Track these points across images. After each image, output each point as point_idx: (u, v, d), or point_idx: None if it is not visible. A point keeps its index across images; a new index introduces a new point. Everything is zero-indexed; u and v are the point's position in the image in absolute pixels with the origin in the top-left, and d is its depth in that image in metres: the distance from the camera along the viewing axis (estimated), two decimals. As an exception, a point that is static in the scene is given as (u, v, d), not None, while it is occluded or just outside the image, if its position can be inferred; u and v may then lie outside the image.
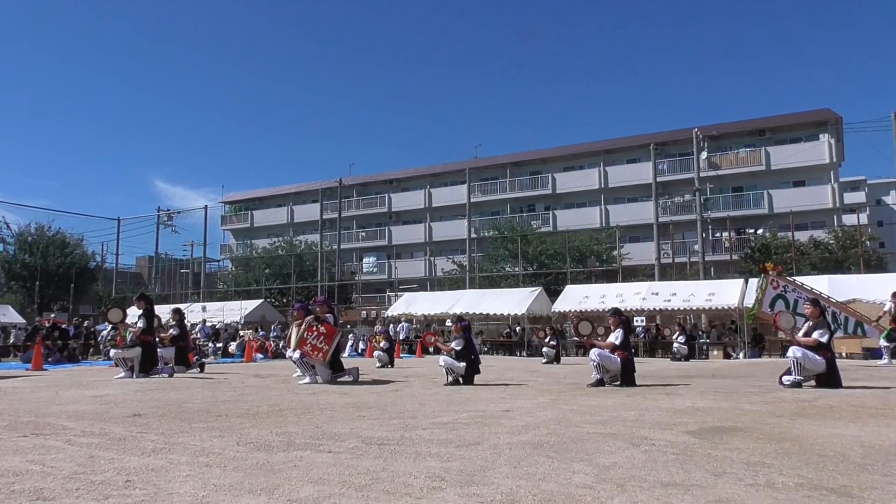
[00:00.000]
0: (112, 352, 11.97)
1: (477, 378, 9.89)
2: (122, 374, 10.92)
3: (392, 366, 15.53)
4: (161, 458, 3.91)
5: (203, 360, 15.23)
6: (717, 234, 39.18)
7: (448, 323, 24.43)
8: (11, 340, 23.05)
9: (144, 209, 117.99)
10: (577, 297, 25.06)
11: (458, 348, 9.87)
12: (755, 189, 40.81)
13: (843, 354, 18.08)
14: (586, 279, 31.78)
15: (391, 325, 26.34)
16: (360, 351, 24.52)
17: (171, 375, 11.27)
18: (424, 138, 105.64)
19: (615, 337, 9.52)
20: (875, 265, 29.84)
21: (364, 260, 51.12)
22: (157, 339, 12.03)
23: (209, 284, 47.18)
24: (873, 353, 17.29)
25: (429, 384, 9.89)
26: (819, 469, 3.62)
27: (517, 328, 28.11)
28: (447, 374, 9.86)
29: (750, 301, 17.33)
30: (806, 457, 3.97)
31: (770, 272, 14.12)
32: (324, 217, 44.69)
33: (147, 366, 11.11)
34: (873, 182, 54.18)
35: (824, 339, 8.63)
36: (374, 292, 46.13)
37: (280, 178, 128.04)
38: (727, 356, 22.04)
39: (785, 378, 8.73)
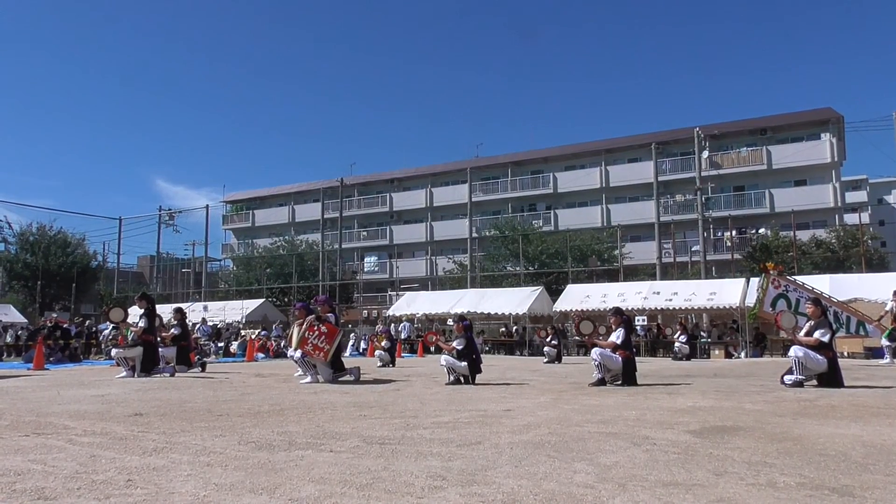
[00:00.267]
0: (113, 351, 11.99)
1: (478, 377, 9.89)
2: (124, 374, 10.93)
3: (393, 365, 15.53)
4: (162, 458, 3.92)
5: (204, 359, 15.24)
6: (719, 234, 39.15)
7: (449, 322, 24.47)
8: (6, 340, 22.96)
9: (146, 209, 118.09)
10: (579, 297, 25.05)
11: (459, 347, 9.87)
12: (756, 188, 40.78)
13: (845, 354, 18.06)
14: (587, 278, 31.76)
15: (392, 325, 26.34)
16: (361, 350, 24.53)
17: (172, 375, 11.28)
18: (425, 138, 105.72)
19: (616, 336, 9.52)
20: (876, 264, 29.80)
21: (365, 259, 51.14)
22: (159, 339, 12.04)
23: (210, 284, 47.22)
24: (875, 353, 17.26)
25: (430, 383, 9.89)
26: (821, 469, 3.62)
27: (514, 327, 28.14)
28: (448, 373, 9.86)
29: (751, 300, 17.31)
30: (808, 456, 3.96)
31: (771, 272, 14.11)
32: (325, 216, 44.71)
33: (148, 365, 11.12)
34: (875, 181, 54.14)
35: (826, 339, 8.62)
36: (376, 292, 46.14)
37: (281, 177, 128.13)
38: (728, 355, 22.03)
39: (787, 377, 8.72)
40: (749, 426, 5.21)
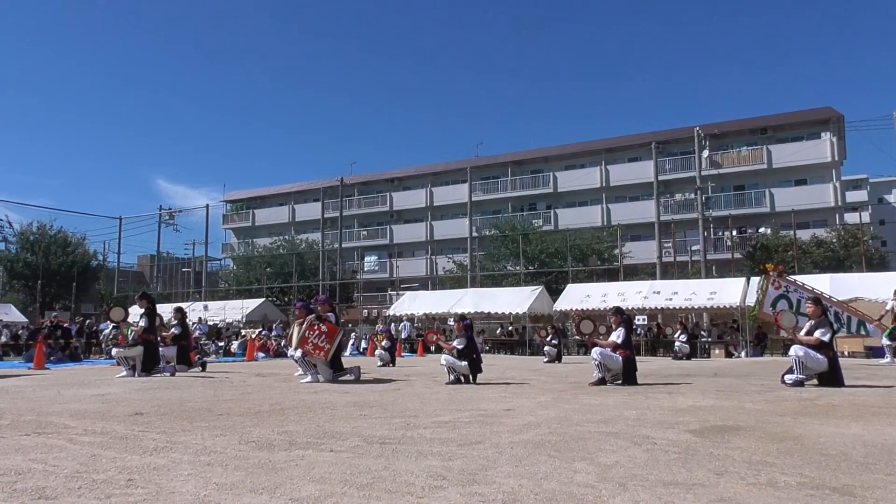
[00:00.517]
0: (114, 351, 11.99)
1: (479, 377, 9.89)
2: (124, 373, 10.93)
3: (393, 365, 15.53)
4: (163, 457, 3.92)
5: (204, 358, 15.24)
6: (719, 233, 39.16)
7: (450, 322, 24.49)
8: (3, 339, 22.93)
9: (146, 208, 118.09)
10: (579, 296, 25.05)
11: (460, 347, 9.87)
12: (757, 187, 40.78)
13: (846, 353, 18.07)
14: (588, 278, 31.77)
15: (393, 324, 26.35)
16: (361, 350, 24.54)
17: (172, 374, 11.29)
18: (426, 137, 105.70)
19: (617, 336, 9.52)
20: (877, 264, 29.80)
21: (365, 259, 51.15)
22: (159, 338, 12.04)
23: (211, 283, 47.25)
24: (875, 352, 17.27)
25: (430, 383, 9.89)
26: (821, 468, 3.62)
27: (509, 327, 28.16)
28: (449, 372, 9.85)
29: (751, 300, 17.31)
30: (808, 456, 3.96)
31: (771, 273, 14.11)
32: (325, 216, 44.73)
33: (149, 364, 11.12)
34: (875, 180, 54.15)
35: (826, 338, 8.62)
36: (376, 291, 46.17)
37: (281, 176, 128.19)
38: (729, 355, 22.04)
39: (787, 377, 8.72)
40: (750, 426, 5.21)
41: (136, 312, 12.53)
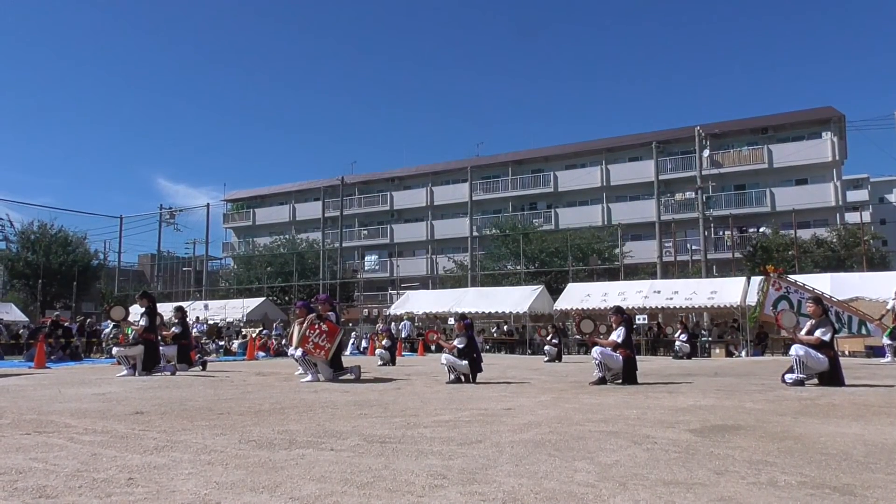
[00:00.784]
0: (115, 350, 12.00)
1: (479, 376, 9.90)
2: (125, 372, 10.94)
3: (394, 364, 15.54)
4: (163, 456, 3.92)
5: (205, 357, 15.25)
6: (720, 233, 39.15)
7: (450, 321, 24.50)
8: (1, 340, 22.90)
9: (147, 207, 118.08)
10: (579, 296, 25.06)
11: (460, 346, 9.88)
12: (757, 187, 40.77)
13: (846, 353, 18.06)
14: (588, 277, 31.77)
15: (393, 324, 26.36)
16: (362, 349, 24.54)
17: (173, 373, 11.29)
18: (426, 136, 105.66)
19: (617, 335, 9.53)
20: (878, 263, 29.78)
21: (366, 258, 51.16)
22: (160, 337, 12.05)
23: (211, 282, 47.25)
24: (876, 352, 17.27)
25: (431, 382, 9.90)
26: (822, 467, 3.62)
27: (505, 326, 28.14)
28: (449, 372, 9.86)
29: (752, 299, 17.32)
30: (809, 455, 3.96)
31: (771, 274, 14.11)
32: (326, 215, 44.72)
33: (149, 364, 11.13)
34: (876, 180, 54.11)
35: (827, 338, 8.62)
36: (376, 290, 46.16)
37: (282, 176, 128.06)
38: (729, 354, 22.05)
39: (787, 376, 8.72)
40: (750, 425, 5.21)
41: (136, 311, 12.55)
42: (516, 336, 27.61)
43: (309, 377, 9.85)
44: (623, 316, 9.86)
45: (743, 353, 21.70)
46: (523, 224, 41.61)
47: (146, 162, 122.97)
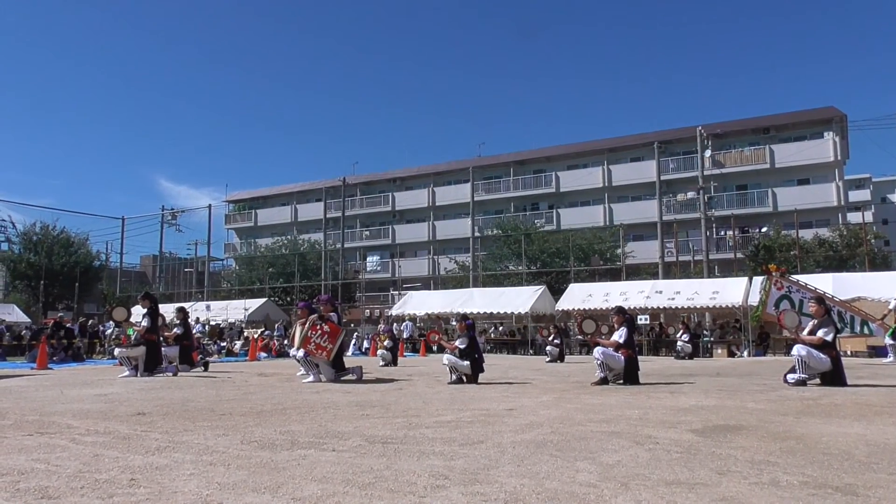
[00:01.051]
0: (116, 351, 12.02)
1: (481, 376, 9.89)
2: (127, 373, 10.95)
3: (396, 364, 15.55)
4: (165, 457, 3.92)
5: (207, 358, 15.27)
6: (722, 233, 39.12)
7: (452, 322, 24.51)
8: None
9: (148, 208, 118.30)
10: (581, 296, 25.05)
11: (462, 347, 9.88)
12: (759, 187, 40.73)
13: (849, 353, 18.05)
14: (590, 278, 31.76)
15: (395, 324, 26.37)
16: (363, 350, 24.55)
17: (175, 374, 11.31)
18: (428, 137, 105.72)
19: (619, 335, 9.52)
20: (880, 263, 29.74)
21: (368, 258, 51.19)
22: (162, 338, 12.06)
23: (213, 283, 47.28)
24: (878, 352, 17.26)
25: (432, 383, 9.90)
26: (824, 467, 3.61)
27: (501, 327, 28.12)
28: (451, 372, 9.86)
29: (754, 300, 17.30)
30: (811, 455, 3.96)
31: (773, 273, 14.09)
32: (327, 216, 44.77)
33: (151, 364, 11.14)
34: (878, 180, 54.07)
35: (829, 338, 8.61)
36: (378, 291, 46.19)
37: (284, 176, 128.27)
38: (731, 354, 22.03)
39: (789, 376, 8.71)
40: (752, 425, 5.21)
41: (138, 312, 12.56)
42: (518, 336, 27.60)
43: (311, 378, 9.85)
44: (625, 316, 9.85)
45: (745, 353, 21.68)
46: (525, 224, 41.60)
47: (147, 163, 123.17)
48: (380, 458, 3.89)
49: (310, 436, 4.73)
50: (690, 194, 38.49)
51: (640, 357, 10.10)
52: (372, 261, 51.15)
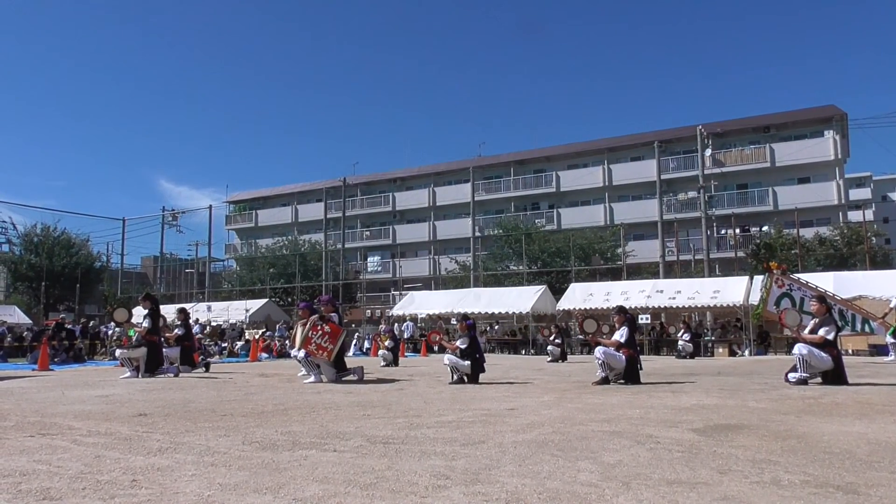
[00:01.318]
0: (118, 352, 12.03)
1: (482, 376, 9.89)
2: (128, 374, 10.95)
3: (397, 365, 15.55)
4: (167, 458, 3.92)
5: (208, 359, 15.27)
6: (722, 232, 39.10)
7: (453, 322, 24.49)
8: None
9: (149, 209, 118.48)
10: (582, 295, 25.04)
11: (463, 347, 9.88)
12: (760, 186, 40.71)
13: (850, 351, 18.06)
14: (590, 277, 31.75)
15: (396, 324, 26.37)
16: (364, 350, 24.55)
17: (176, 375, 11.30)
18: (428, 137, 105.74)
19: (620, 335, 9.51)
20: (881, 262, 29.73)
21: (368, 259, 51.19)
22: (163, 339, 12.07)
23: (214, 284, 47.29)
24: (880, 350, 17.25)
25: (434, 383, 9.90)
26: (825, 466, 3.61)
27: (496, 327, 28.10)
28: (452, 372, 9.86)
29: (755, 299, 17.28)
30: (812, 454, 3.96)
31: (774, 271, 14.08)
32: (328, 216, 44.76)
33: (152, 365, 11.14)
34: (879, 178, 54.09)
35: (830, 337, 8.60)
36: (379, 291, 46.18)
37: (284, 177, 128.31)
38: (732, 353, 22.01)
39: (791, 375, 8.71)
40: (753, 424, 5.21)
41: (139, 313, 12.57)
42: (519, 336, 27.58)
43: (312, 378, 9.85)
44: (626, 315, 9.84)
45: (746, 352, 21.67)
46: (526, 224, 41.59)
47: (148, 164, 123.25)
48: (381, 458, 3.89)
49: (311, 436, 4.73)
50: (691, 193, 38.47)
51: (640, 356, 10.08)
52: (373, 261, 51.15)
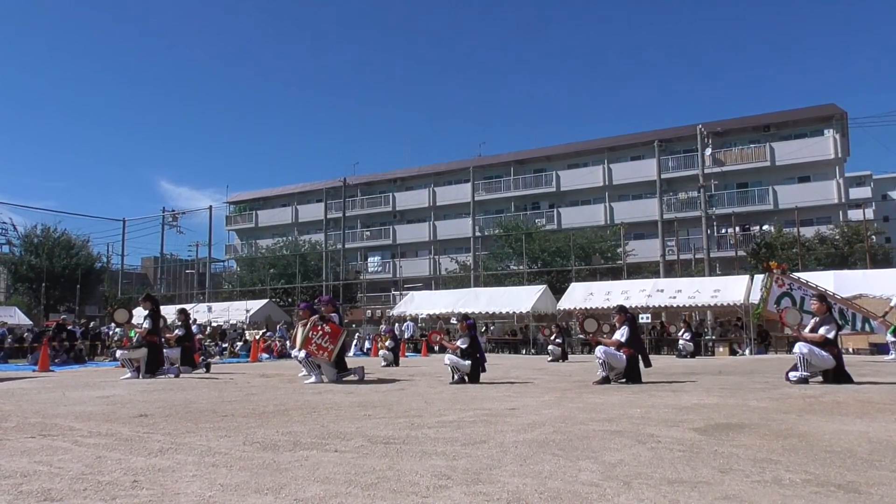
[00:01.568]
0: (118, 353, 12.03)
1: (483, 376, 9.89)
2: (129, 375, 10.95)
3: (397, 365, 15.55)
4: (168, 459, 3.92)
5: (209, 360, 15.27)
6: (723, 231, 39.09)
7: (453, 321, 24.50)
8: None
9: (149, 210, 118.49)
10: (582, 295, 25.04)
11: (463, 346, 9.88)
12: (760, 185, 40.70)
13: (850, 350, 18.06)
14: (591, 277, 31.75)
15: (396, 324, 26.37)
16: (365, 350, 24.55)
17: (177, 376, 11.30)
18: (428, 137, 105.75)
19: (621, 334, 9.51)
20: (881, 260, 29.72)
21: (369, 259, 51.18)
22: (163, 340, 12.06)
23: (214, 285, 47.30)
24: (880, 349, 17.25)
25: (434, 383, 9.89)
26: (826, 465, 3.61)
27: (493, 328, 28.10)
28: (453, 372, 9.86)
29: (755, 298, 17.28)
30: (813, 453, 3.95)
31: (774, 270, 14.07)
32: (328, 216, 44.75)
33: (153, 366, 11.14)
34: (879, 177, 54.08)
35: (831, 335, 8.60)
36: (379, 291, 46.18)
37: (284, 177, 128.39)
38: (733, 353, 22.01)
39: (791, 374, 8.71)
40: (754, 423, 5.20)
41: (140, 314, 12.56)
42: (520, 336, 27.58)
43: (312, 378, 9.85)
44: (626, 315, 9.84)
45: (747, 351, 21.67)
46: (526, 224, 41.57)
47: (148, 164, 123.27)
48: (382, 458, 3.89)
49: (312, 436, 4.73)
50: (691, 193, 38.45)
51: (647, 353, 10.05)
52: (373, 261, 51.15)
